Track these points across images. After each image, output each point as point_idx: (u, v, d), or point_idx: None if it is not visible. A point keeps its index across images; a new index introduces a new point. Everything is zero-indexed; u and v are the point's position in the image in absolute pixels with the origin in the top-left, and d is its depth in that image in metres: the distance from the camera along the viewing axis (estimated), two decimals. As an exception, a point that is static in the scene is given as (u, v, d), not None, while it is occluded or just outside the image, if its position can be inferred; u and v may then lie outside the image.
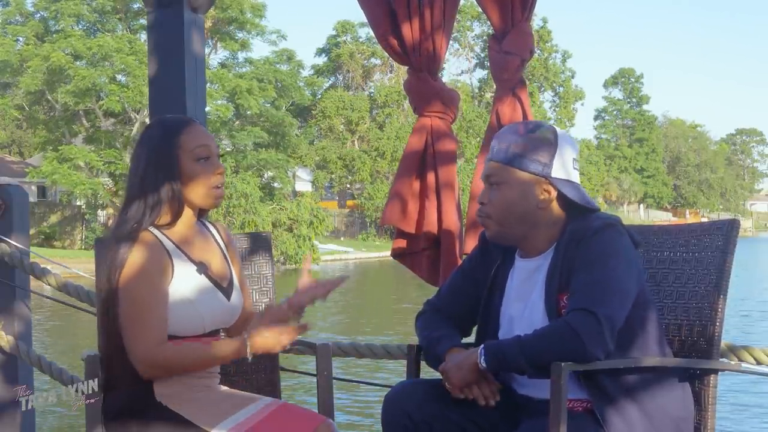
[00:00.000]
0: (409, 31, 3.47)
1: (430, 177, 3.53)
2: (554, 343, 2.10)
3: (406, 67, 3.62)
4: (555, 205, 2.31)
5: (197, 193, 2.36)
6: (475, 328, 2.52)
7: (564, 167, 2.30)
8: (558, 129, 2.35)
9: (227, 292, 2.42)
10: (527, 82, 3.66)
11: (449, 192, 3.51)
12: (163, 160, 2.33)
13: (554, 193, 2.29)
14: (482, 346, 2.22)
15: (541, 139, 2.29)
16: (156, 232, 2.35)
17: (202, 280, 2.37)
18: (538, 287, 2.30)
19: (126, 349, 2.26)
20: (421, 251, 3.58)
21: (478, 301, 2.46)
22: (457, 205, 3.54)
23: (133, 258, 2.27)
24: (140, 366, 2.25)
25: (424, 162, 3.55)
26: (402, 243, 3.60)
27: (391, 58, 3.77)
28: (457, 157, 3.64)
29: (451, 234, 3.47)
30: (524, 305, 2.33)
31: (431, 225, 3.50)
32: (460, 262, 3.45)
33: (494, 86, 3.56)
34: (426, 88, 3.54)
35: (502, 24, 3.48)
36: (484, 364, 2.19)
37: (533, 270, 2.33)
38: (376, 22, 3.57)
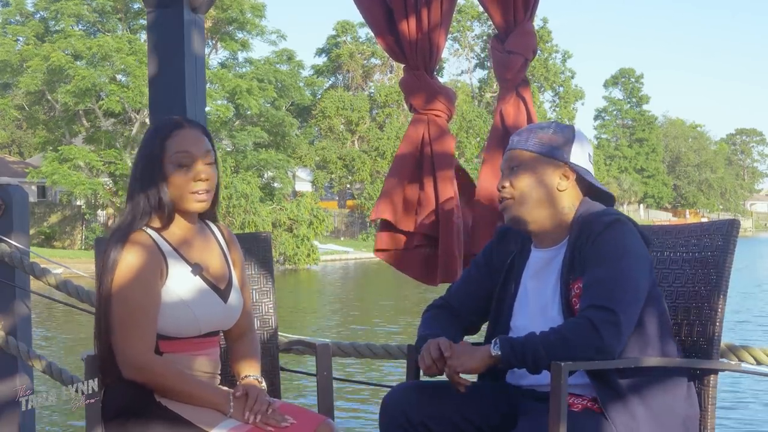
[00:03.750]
0: (406, 28, 3.45)
1: (428, 175, 3.49)
2: (574, 338, 2.13)
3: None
4: (572, 191, 2.37)
5: (177, 197, 2.35)
6: (483, 327, 2.54)
7: (581, 156, 2.39)
8: (575, 127, 2.45)
9: (224, 293, 2.42)
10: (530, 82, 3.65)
11: (448, 190, 3.47)
12: (150, 163, 2.34)
13: (573, 177, 2.37)
14: (497, 338, 2.23)
15: (559, 129, 2.40)
16: (152, 233, 2.35)
17: (198, 282, 2.37)
18: (553, 279, 2.34)
19: (113, 348, 2.27)
20: (413, 249, 3.52)
21: (490, 291, 2.49)
22: (455, 202, 3.51)
23: (126, 259, 2.27)
24: (123, 367, 2.26)
25: (421, 160, 3.51)
26: (389, 240, 3.53)
27: (391, 58, 3.73)
28: (455, 156, 3.60)
29: (451, 232, 3.44)
30: (539, 295, 2.36)
31: (429, 222, 3.47)
32: (459, 259, 3.43)
33: (495, 86, 3.55)
34: (422, 86, 3.51)
35: (505, 24, 3.47)
36: (497, 352, 2.19)
37: (548, 260, 2.37)
38: (373, 20, 3.55)
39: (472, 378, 2.34)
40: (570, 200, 2.37)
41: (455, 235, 3.45)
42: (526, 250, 2.45)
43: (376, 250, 3.60)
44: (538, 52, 3.70)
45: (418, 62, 3.50)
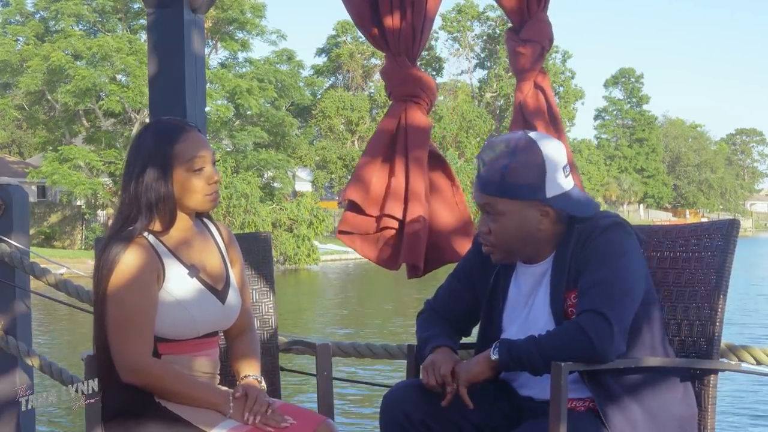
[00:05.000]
0: (390, 16, 3.40)
1: (400, 158, 3.43)
2: (567, 344, 2.11)
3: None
4: (551, 224, 2.29)
5: (192, 200, 2.35)
6: (475, 332, 2.53)
7: (556, 182, 2.27)
8: (541, 139, 2.29)
9: (222, 294, 2.41)
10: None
11: (419, 175, 3.42)
12: (157, 168, 2.31)
13: (552, 213, 2.28)
14: (497, 341, 2.22)
15: (528, 161, 2.24)
16: (149, 236, 2.34)
17: (195, 284, 2.36)
18: (543, 288, 2.31)
19: (111, 351, 2.27)
20: (378, 231, 3.45)
21: (475, 304, 2.46)
22: (425, 188, 3.43)
23: (123, 263, 2.27)
24: (121, 370, 2.26)
25: (395, 144, 3.45)
26: (353, 222, 3.46)
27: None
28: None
29: (417, 218, 3.37)
30: (530, 308, 2.34)
31: (396, 206, 3.40)
32: (423, 242, 3.38)
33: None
34: (403, 72, 3.46)
35: (519, 16, 3.45)
36: (496, 356, 2.19)
37: (537, 275, 2.34)
38: (358, 12, 3.52)
39: None
40: (554, 226, 2.30)
41: (422, 221, 3.39)
42: (510, 264, 2.41)
43: (339, 232, 3.52)
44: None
45: (401, 48, 3.45)
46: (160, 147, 2.33)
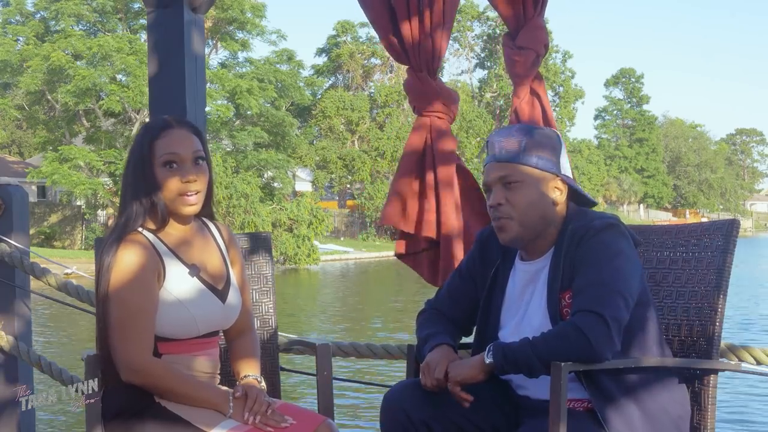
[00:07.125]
0: (409, 30, 3.47)
1: (429, 177, 3.52)
2: (563, 345, 2.11)
3: (406, 67, 3.62)
4: (564, 203, 2.33)
5: (166, 198, 2.33)
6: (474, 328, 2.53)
7: (567, 163, 2.36)
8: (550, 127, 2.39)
9: (223, 293, 2.41)
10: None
11: (448, 192, 3.49)
12: (140, 165, 2.33)
13: (566, 190, 2.32)
14: (490, 344, 2.22)
15: (547, 137, 2.33)
16: (149, 234, 2.34)
17: (195, 283, 2.36)
18: (539, 287, 2.32)
19: (112, 350, 2.27)
20: (422, 251, 3.56)
21: (477, 302, 2.46)
22: (456, 205, 3.52)
23: (123, 261, 2.27)
24: (122, 369, 2.26)
25: (423, 162, 3.53)
26: (403, 243, 3.59)
27: (391, 58, 3.73)
28: (455, 154, 3.62)
29: (450, 235, 3.46)
30: (526, 306, 2.34)
31: (430, 226, 3.48)
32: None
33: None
34: (426, 88, 3.53)
35: (515, 20, 3.47)
36: (490, 360, 2.18)
37: (536, 272, 2.34)
38: (377, 21, 3.56)
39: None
40: (561, 212, 2.33)
41: (455, 238, 3.46)
42: (509, 260, 2.42)
43: (396, 254, 3.65)
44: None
45: (421, 64, 3.52)
46: (144, 143, 2.34)
